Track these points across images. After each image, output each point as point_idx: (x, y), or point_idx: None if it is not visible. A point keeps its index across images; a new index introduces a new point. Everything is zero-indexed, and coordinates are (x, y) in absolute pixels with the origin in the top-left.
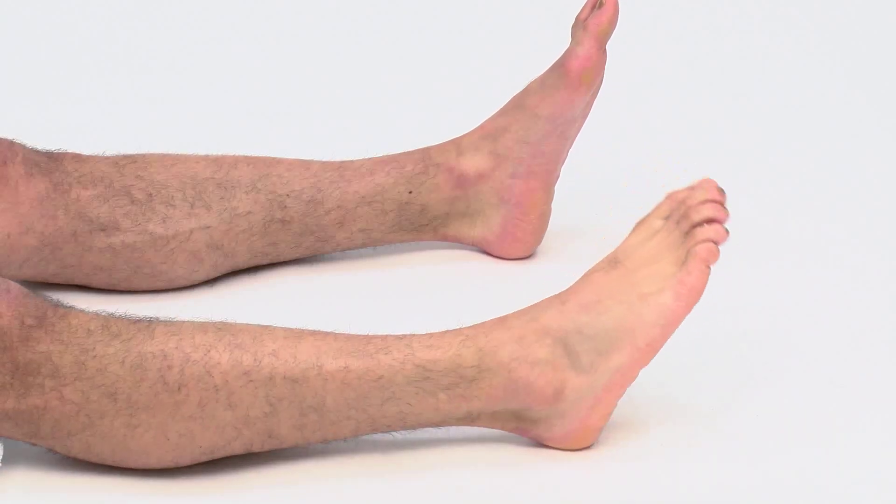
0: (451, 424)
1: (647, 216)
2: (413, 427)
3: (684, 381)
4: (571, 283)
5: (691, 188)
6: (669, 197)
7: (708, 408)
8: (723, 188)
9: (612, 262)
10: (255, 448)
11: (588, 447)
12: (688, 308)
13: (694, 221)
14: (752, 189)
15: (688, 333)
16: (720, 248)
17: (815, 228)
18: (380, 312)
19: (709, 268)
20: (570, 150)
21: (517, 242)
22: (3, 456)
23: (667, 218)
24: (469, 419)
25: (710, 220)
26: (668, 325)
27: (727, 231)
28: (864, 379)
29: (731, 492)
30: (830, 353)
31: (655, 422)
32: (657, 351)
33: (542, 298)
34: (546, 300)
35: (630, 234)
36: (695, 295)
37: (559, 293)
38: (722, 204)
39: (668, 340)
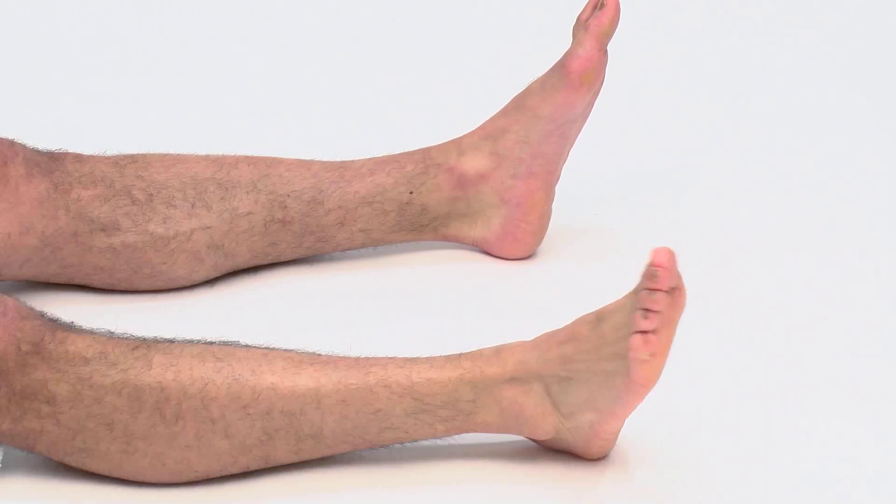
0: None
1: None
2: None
3: (682, 381)
4: (565, 323)
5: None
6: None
7: (705, 407)
8: (666, 267)
9: (598, 318)
10: (252, 469)
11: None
12: (640, 398)
13: (637, 311)
14: (752, 189)
15: (688, 333)
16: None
17: (815, 228)
18: (380, 312)
19: (650, 356)
20: (571, 151)
21: (517, 243)
22: (3, 461)
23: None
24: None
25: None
26: (626, 409)
27: (658, 314)
28: (864, 379)
29: (731, 491)
30: (830, 353)
31: (654, 421)
32: (627, 415)
33: (542, 303)
34: (538, 339)
35: (627, 293)
36: (642, 388)
37: (549, 335)
38: (660, 288)
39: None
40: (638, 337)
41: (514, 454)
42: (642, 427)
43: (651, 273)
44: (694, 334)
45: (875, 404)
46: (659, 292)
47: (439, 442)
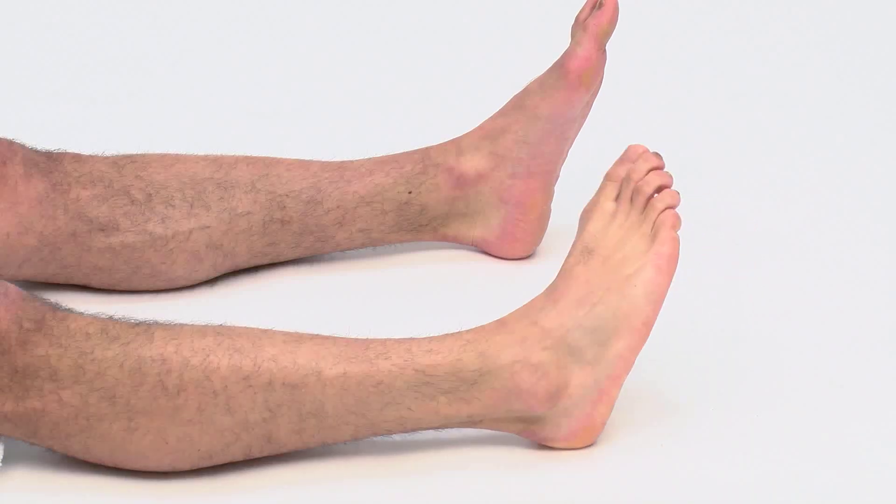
0: (452, 427)
1: (596, 201)
2: (413, 430)
3: (683, 380)
4: (553, 280)
5: (626, 161)
6: (609, 177)
7: (706, 407)
8: (655, 151)
9: (585, 252)
10: (255, 453)
11: (590, 445)
12: (670, 277)
13: (647, 194)
14: (752, 189)
15: (686, 333)
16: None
17: (815, 228)
18: (380, 312)
19: (677, 233)
20: (570, 151)
21: (517, 242)
22: (4, 456)
23: (616, 198)
24: (471, 422)
25: (660, 188)
26: (657, 299)
27: (678, 192)
28: (864, 379)
29: (730, 491)
30: (830, 353)
31: (654, 422)
32: (652, 327)
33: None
34: (538, 300)
35: (587, 223)
36: (673, 263)
37: (547, 292)
38: (663, 168)
39: (667, 339)
40: (672, 212)
41: (513, 452)
42: (640, 426)
43: (633, 156)
44: (694, 333)
45: (875, 404)
46: (656, 171)
47: (440, 436)
